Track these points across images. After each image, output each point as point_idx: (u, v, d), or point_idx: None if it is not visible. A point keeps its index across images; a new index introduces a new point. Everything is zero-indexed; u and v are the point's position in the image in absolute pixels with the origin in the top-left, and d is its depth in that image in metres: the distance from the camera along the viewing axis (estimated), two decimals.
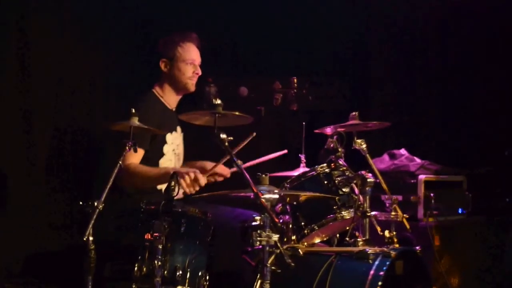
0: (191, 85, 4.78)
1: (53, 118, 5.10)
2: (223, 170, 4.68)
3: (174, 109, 4.83)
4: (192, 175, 4.24)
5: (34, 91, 4.93)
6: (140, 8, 5.76)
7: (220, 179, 4.72)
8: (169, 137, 4.68)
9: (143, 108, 4.12)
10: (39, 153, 4.99)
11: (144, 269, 3.62)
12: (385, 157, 5.69)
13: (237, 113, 3.89)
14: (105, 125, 4.41)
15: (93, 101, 5.39)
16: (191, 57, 4.75)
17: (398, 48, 6.53)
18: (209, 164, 4.68)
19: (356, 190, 4.30)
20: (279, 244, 3.59)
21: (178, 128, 4.83)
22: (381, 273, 3.69)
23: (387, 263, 3.75)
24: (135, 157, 4.37)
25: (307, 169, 4.56)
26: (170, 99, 4.80)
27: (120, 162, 3.77)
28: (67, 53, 5.17)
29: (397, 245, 4.20)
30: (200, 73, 4.79)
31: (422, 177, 5.30)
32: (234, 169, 4.61)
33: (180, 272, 3.66)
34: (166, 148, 4.66)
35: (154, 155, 4.56)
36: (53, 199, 5.06)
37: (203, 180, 4.30)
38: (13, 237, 4.77)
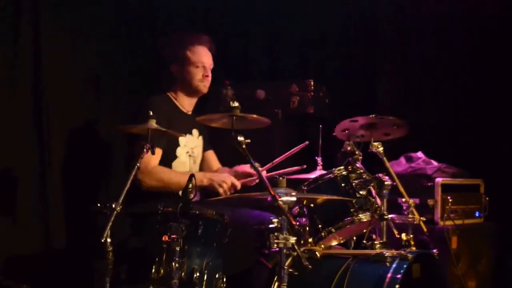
0: (203, 87, 4.78)
1: (66, 119, 5.10)
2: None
3: (190, 112, 4.83)
4: (229, 182, 4.47)
5: (47, 92, 4.94)
6: (156, 12, 5.78)
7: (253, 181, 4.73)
8: (182, 139, 4.68)
9: (153, 109, 4.10)
10: (52, 154, 4.99)
11: (162, 271, 3.63)
12: (402, 160, 5.69)
13: (254, 116, 3.90)
14: (122, 128, 4.43)
15: (105, 102, 5.39)
16: (200, 59, 4.73)
17: (410, 48, 6.53)
18: (240, 168, 4.73)
19: (373, 193, 4.31)
20: (296, 247, 3.59)
21: (195, 131, 4.83)
22: (399, 276, 3.69)
23: (404, 266, 3.74)
24: (155, 159, 4.41)
25: (324, 172, 4.56)
26: (185, 102, 4.81)
27: (138, 164, 3.79)
28: (81, 54, 5.19)
29: (414, 248, 4.19)
30: (209, 75, 4.77)
31: (439, 180, 5.29)
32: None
33: (198, 274, 3.67)
34: (179, 151, 4.67)
35: (167, 157, 4.56)
36: (64, 200, 5.06)
37: (238, 184, 4.51)
38: (22, 238, 4.77)
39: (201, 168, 4.97)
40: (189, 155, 4.75)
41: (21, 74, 4.82)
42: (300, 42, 6.66)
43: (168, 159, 4.58)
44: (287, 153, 4.73)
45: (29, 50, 4.85)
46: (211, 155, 5.08)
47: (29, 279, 4.45)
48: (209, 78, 4.78)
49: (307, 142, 4.75)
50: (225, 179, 4.47)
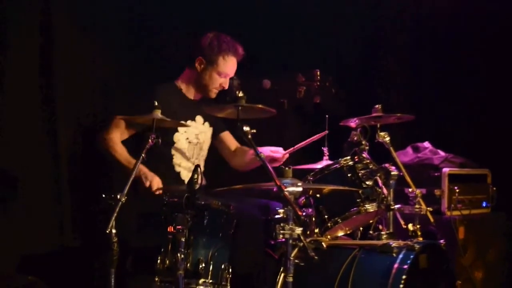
0: (214, 93, 4.79)
1: (73, 112, 5.08)
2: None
3: (194, 99, 4.82)
4: (150, 178, 4.34)
5: (58, 89, 4.93)
6: (160, 9, 5.73)
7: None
8: None
9: (155, 99, 4.05)
10: (60, 151, 4.97)
11: (167, 262, 3.62)
12: (409, 150, 5.67)
13: (260, 106, 3.88)
14: (127, 118, 4.41)
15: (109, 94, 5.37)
16: (226, 71, 4.73)
17: (418, 40, 6.51)
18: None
19: (380, 183, 4.29)
20: (302, 237, 3.57)
21: (199, 118, 4.81)
22: (405, 266, 3.68)
23: (411, 256, 3.73)
24: (118, 133, 4.51)
25: (330, 162, 4.54)
26: (191, 92, 4.82)
27: (143, 155, 3.78)
28: (89, 53, 5.18)
29: (421, 239, 4.17)
30: (226, 87, 4.78)
31: (446, 170, 5.27)
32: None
33: (203, 265, 3.67)
34: (177, 136, 4.65)
35: (164, 143, 4.52)
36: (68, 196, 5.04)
37: (155, 185, 4.34)
38: (24, 236, 4.75)
39: (220, 150, 5.06)
40: (189, 142, 4.71)
41: (33, 73, 4.81)
42: (313, 31, 6.63)
43: (165, 145, 4.49)
44: (308, 139, 4.68)
45: (39, 46, 4.84)
46: (227, 136, 5.09)
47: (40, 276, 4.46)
48: (223, 88, 4.79)
49: (327, 131, 4.65)
50: (147, 175, 4.34)
